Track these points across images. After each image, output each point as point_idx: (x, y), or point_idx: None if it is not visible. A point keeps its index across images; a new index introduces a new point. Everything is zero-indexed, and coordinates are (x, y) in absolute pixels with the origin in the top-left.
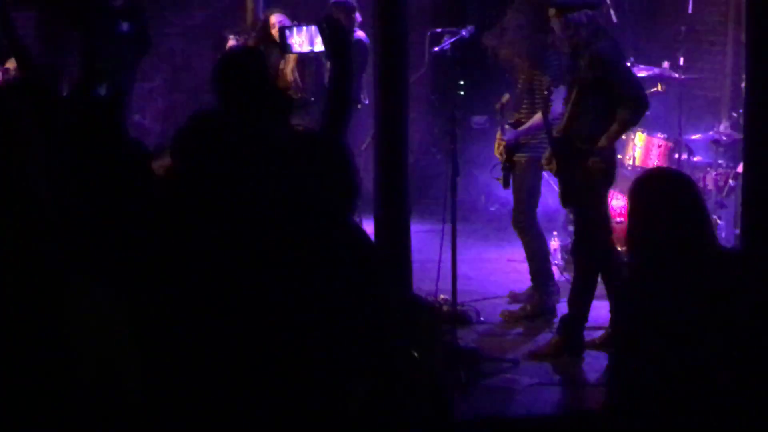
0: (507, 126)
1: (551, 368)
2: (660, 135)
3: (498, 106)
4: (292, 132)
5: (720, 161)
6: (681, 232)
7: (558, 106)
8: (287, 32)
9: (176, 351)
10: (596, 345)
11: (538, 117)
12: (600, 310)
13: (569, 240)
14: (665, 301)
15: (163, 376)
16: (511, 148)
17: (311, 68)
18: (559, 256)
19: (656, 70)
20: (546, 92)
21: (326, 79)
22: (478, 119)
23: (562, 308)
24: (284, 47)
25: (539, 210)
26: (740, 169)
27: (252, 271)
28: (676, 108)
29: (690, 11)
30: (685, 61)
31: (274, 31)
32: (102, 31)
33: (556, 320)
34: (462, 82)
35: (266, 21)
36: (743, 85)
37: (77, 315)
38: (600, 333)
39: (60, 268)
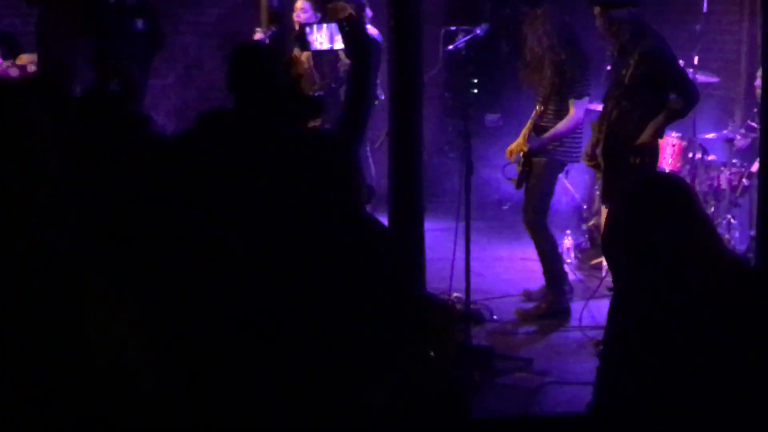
0: (532, 134)
1: (565, 367)
2: (674, 134)
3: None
4: (298, 131)
5: (734, 160)
6: (673, 236)
7: (579, 113)
8: (307, 29)
9: (191, 350)
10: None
11: (561, 124)
12: (602, 310)
13: (583, 239)
14: (655, 307)
15: (178, 374)
16: (534, 154)
17: (329, 56)
18: (572, 255)
19: None
20: (570, 100)
21: (341, 71)
22: (491, 117)
23: (576, 307)
24: (304, 44)
25: (551, 208)
26: (754, 168)
27: (262, 268)
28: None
29: (705, 10)
30: (699, 60)
31: (295, 16)
32: (115, 28)
33: (571, 319)
34: (475, 81)
35: (292, 5)
36: (757, 83)
37: (91, 313)
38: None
39: (74, 265)
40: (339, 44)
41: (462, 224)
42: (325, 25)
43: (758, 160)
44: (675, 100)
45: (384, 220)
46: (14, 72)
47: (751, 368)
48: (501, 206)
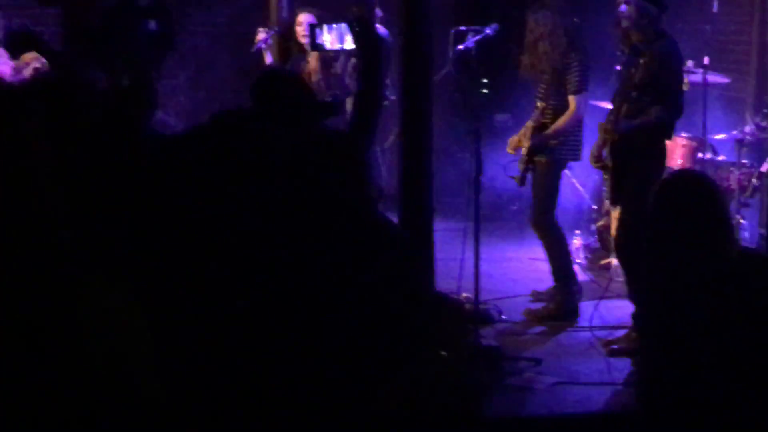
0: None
1: (575, 367)
2: (684, 134)
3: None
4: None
5: (744, 161)
6: (703, 234)
7: (580, 109)
8: (317, 30)
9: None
10: (615, 349)
11: (562, 120)
12: (624, 309)
13: (592, 239)
14: (688, 305)
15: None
16: (535, 151)
17: (335, 69)
18: (581, 255)
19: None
20: (571, 96)
21: (347, 79)
22: (500, 117)
23: (585, 307)
24: (314, 45)
25: (560, 209)
26: (765, 168)
27: (276, 270)
28: (700, 107)
29: (715, 10)
30: (710, 61)
31: (300, 29)
32: (128, 29)
33: (580, 319)
34: (485, 81)
35: (293, 19)
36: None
37: (92, 313)
38: (621, 333)
39: (74, 265)
40: (349, 44)
41: (471, 224)
42: (334, 25)
43: None
44: (657, 109)
45: (394, 220)
46: (28, 72)
47: None
48: (510, 206)
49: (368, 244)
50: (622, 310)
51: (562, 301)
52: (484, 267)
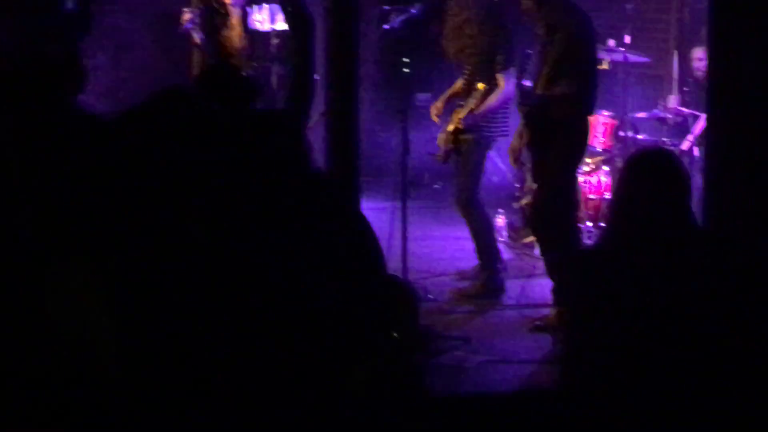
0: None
1: (503, 345)
2: (605, 113)
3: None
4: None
5: (664, 139)
6: (662, 210)
7: (509, 86)
8: (248, 9)
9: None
10: (537, 326)
11: (493, 98)
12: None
13: (515, 217)
14: (632, 278)
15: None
16: (461, 130)
17: (258, 36)
18: (504, 233)
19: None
20: (499, 74)
21: (273, 48)
22: (422, 96)
23: (511, 286)
24: (246, 25)
25: (483, 186)
26: (684, 146)
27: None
28: (621, 86)
29: None
30: (630, 39)
31: None
32: (44, 9)
33: (504, 297)
34: (407, 60)
35: None
36: (696, 65)
37: (57, 295)
38: (545, 312)
39: (39, 249)
40: (280, 24)
41: (395, 204)
42: (266, 5)
43: (691, 136)
44: (565, 81)
45: None
46: None
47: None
48: (432, 185)
49: (324, 223)
50: (547, 288)
51: (487, 279)
52: (408, 246)
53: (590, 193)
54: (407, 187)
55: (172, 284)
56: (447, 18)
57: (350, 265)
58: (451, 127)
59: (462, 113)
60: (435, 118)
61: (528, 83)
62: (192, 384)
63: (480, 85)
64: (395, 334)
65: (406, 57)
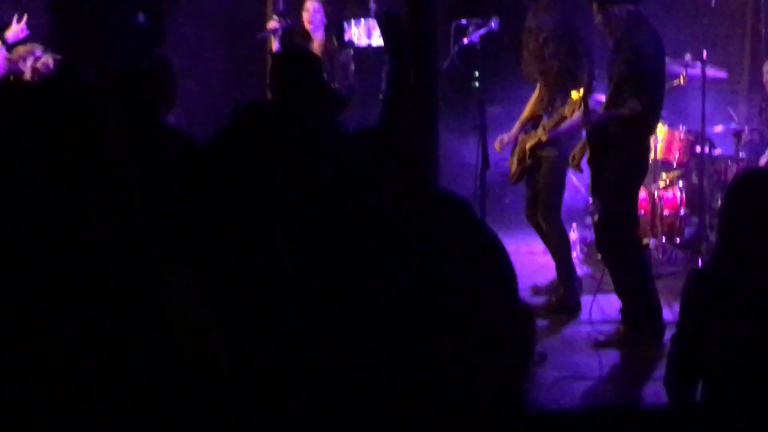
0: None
1: (579, 362)
2: (682, 127)
3: (498, 143)
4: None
5: (741, 154)
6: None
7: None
8: (345, 25)
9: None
10: (604, 342)
11: (575, 116)
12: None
13: (588, 233)
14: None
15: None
16: (543, 145)
17: (338, 60)
18: (578, 248)
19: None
20: (580, 91)
21: (351, 77)
22: (492, 110)
23: (585, 301)
24: (343, 41)
25: None
26: (762, 161)
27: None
28: (698, 100)
29: (712, 4)
30: (707, 54)
31: (306, 15)
32: (117, 22)
33: (582, 313)
34: (477, 74)
35: (301, 5)
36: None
37: (171, 298)
38: (611, 328)
39: (152, 253)
40: (376, 40)
41: None
42: (362, 20)
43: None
44: (631, 101)
45: None
46: (25, 66)
47: None
48: (503, 199)
49: (454, 251)
50: (612, 304)
51: (564, 295)
52: None
53: (665, 208)
54: (485, 202)
55: (267, 297)
56: (525, 39)
57: (489, 298)
58: (530, 143)
59: (548, 126)
60: (498, 149)
61: (599, 98)
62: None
63: (539, 100)
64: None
65: (481, 71)
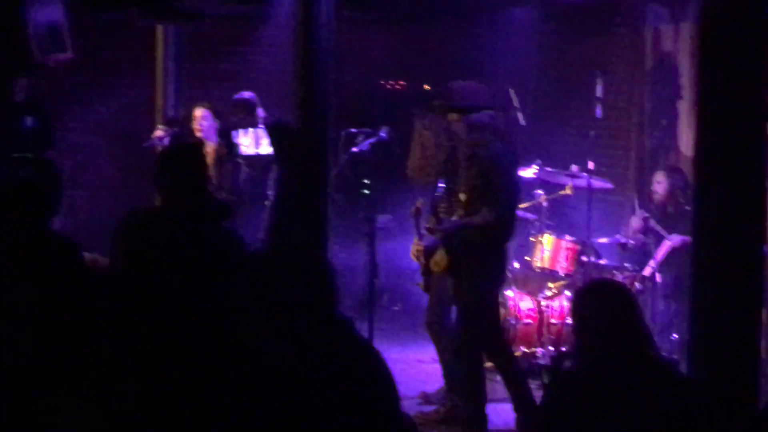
0: (424, 231)
1: None
2: (568, 237)
3: (413, 210)
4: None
5: (626, 264)
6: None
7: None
8: (233, 133)
9: None
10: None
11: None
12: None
13: None
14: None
15: None
16: (430, 253)
17: (228, 167)
18: None
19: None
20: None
21: (241, 179)
22: (382, 218)
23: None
24: (231, 148)
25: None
26: (646, 272)
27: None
28: (584, 211)
29: (599, 116)
30: (594, 165)
31: (195, 124)
32: (4, 126)
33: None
34: (367, 182)
35: (190, 114)
36: (655, 188)
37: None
38: None
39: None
40: (265, 148)
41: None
42: (251, 129)
43: (653, 262)
44: (484, 210)
45: None
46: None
47: None
48: (391, 307)
49: (346, 367)
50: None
51: (454, 404)
52: None
53: (552, 317)
54: (373, 311)
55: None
56: (413, 142)
57: (373, 407)
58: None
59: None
60: (415, 259)
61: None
62: None
63: (419, 202)
64: None
65: (371, 179)
